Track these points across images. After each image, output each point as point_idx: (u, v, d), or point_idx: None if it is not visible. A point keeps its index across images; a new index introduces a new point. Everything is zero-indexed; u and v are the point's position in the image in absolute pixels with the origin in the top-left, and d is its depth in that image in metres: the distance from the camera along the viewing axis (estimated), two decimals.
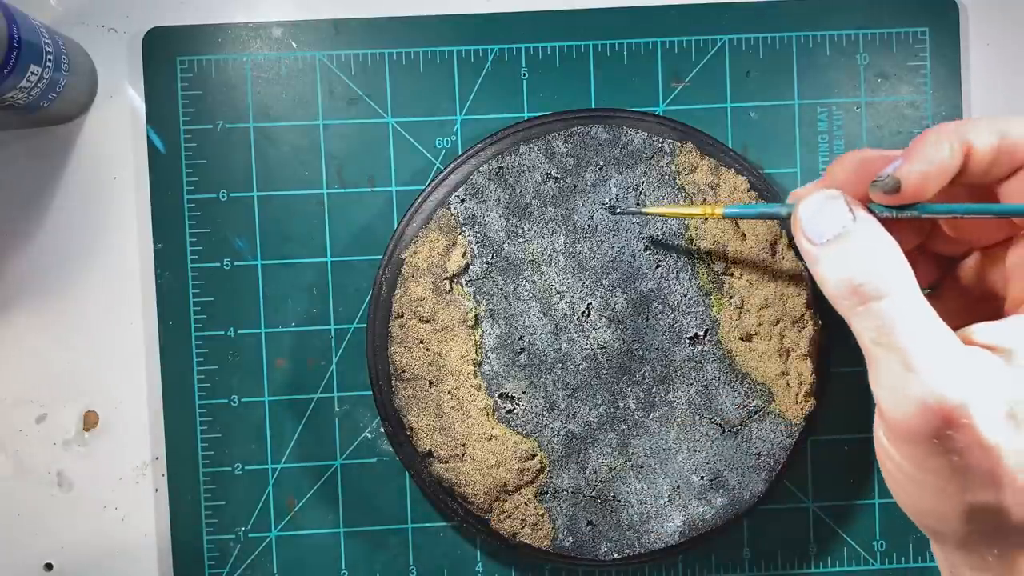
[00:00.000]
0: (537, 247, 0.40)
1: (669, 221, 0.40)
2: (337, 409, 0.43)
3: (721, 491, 0.40)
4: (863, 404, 0.44)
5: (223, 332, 0.43)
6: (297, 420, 0.43)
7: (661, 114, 0.43)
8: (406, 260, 0.39)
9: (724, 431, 0.40)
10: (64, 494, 0.43)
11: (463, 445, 0.39)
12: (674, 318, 0.40)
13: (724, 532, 0.41)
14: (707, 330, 0.40)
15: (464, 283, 0.40)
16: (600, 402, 0.40)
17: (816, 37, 0.44)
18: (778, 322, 0.40)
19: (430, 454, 0.40)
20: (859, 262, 0.28)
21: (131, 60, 0.43)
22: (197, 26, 0.43)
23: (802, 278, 0.40)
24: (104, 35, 0.43)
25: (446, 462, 0.39)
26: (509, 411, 0.40)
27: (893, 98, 0.44)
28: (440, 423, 0.39)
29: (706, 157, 0.40)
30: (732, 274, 0.40)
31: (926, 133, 0.28)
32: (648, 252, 0.40)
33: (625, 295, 0.40)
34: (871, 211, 0.29)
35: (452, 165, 0.41)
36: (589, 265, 0.40)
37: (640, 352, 0.40)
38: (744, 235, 0.40)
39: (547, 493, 0.40)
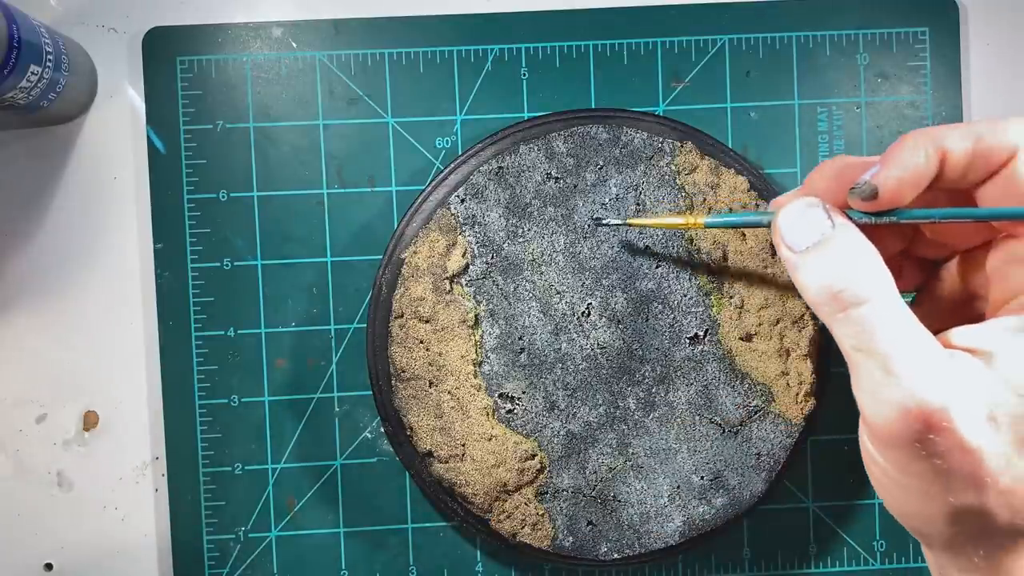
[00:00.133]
0: (537, 247, 0.40)
1: None
2: (337, 409, 0.43)
3: (721, 491, 0.40)
4: None
5: (223, 332, 0.43)
6: (297, 420, 0.43)
7: (661, 114, 0.43)
8: (406, 260, 0.39)
9: (724, 431, 0.40)
10: (64, 494, 0.43)
11: (463, 445, 0.39)
12: (674, 318, 0.40)
13: (724, 532, 0.41)
14: (707, 330, 0.40)
15: (464, 283, 0.40)
16: (600, 402, 0.40)
17: (816, 37, 0.44)
18: (778, 322, 0.40)
19: (430, 454, 0.39)
20: (838, 269, 0.28)
21: (131, 60, 0.43)
22: (197, 26, 0.43)
23: None
24: (104, 35, 0.43)
25: (446, 462, 0.39)
26: (509, 411, 0.40)
27: (893, 98, 0.44)
28: (440, 423, 0.39)
29: (706, 157, 0.40)
30: (732, 274, 0.40)
31: (902, 139, 0.28)
32: (648, 252, 0.40)
33: (625, 295, 0.40)
34: (850, 218, 0.29)
35: (452, 165, 0.41)
36: (589, 265, 0.40)
37: (640, 352, 0.40)
38: (744, 235, 0.40)
39: (547, 493, 0.40)
